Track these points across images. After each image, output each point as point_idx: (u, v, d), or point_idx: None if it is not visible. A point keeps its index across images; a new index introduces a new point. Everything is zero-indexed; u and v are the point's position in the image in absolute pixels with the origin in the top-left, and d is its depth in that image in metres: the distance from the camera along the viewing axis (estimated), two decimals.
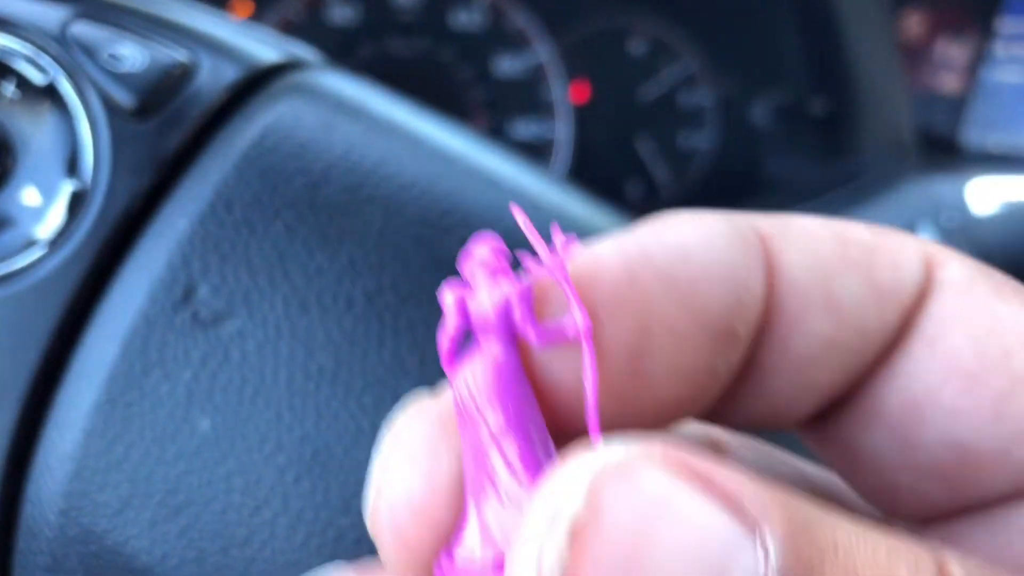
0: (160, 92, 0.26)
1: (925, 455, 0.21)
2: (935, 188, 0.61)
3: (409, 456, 0.18)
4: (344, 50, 0.72)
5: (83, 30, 0.27)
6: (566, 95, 0.76)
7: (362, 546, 0.25)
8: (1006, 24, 0.83)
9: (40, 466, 0.25)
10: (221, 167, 0.26)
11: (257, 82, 0.28)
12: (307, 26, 0.72)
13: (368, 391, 0.25)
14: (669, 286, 0.18)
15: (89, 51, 0.26)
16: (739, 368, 0.20)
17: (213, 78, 0.27)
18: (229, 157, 0.26)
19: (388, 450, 0.19)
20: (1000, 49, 0.83)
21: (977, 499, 0.21)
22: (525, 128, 0.75)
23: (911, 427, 0.21)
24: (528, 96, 0.76)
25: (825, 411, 0.22)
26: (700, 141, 0.79)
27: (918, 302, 0.21)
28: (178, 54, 0.27)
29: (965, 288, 0.21)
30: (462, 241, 0.26)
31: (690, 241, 0.19)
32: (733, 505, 0.14)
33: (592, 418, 0.17)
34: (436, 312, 0.26)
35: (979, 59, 0.83)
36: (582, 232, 0.28)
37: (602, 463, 0.14)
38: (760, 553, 0.14)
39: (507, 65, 0.75)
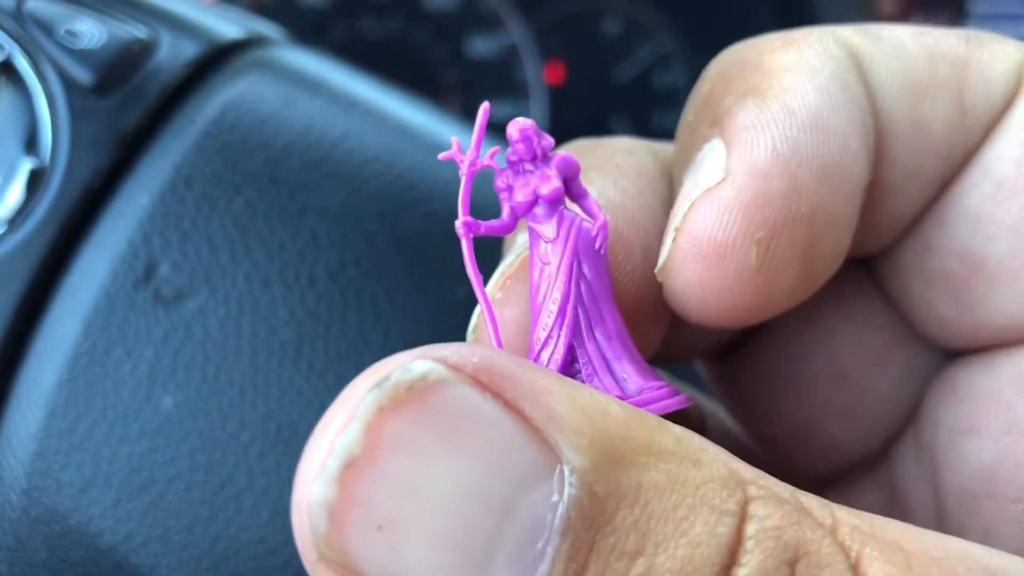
0: (119, 68, 0.26)
1: (938, 262, 0.20)
2: None
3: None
4: (316, 31, 0.71)
5: (39, 6, 0.26)
6: (540, 76, 0.76)
7: None
8: (979, 4, 0.83)
9: (2, 446, 0.25)
10: (181, 143, 0.26)
11: (218, 58, 0.28)
12: (279, 7, 0.71)
13: (331, 367, 0.25)
14: (823, 177, 0.18)
15: (46, 27, 0.26)
16: None
17: (173, 54, 0.27)
18: (189, 133, 0.26)
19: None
20: (972, 28, 0.83)
21: (984, 323, 0.20)
22: (499, 109, 0.75)
23: (930, 231, 0.20)
24: (502, 77, 0.75)
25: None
26: (675, 121, 0.79)
27: (1002, 114, 0.20)
28: (137, 30, 0.27)
29: None
30: (425, 215, 0.26)
31: (817, 107, 0.18)
32: (536, 431, 0.13)
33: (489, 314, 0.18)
34: (399, 288, 0.26)
35: None
36: None
37: (391, 385, 0.13)
38: (555, 491, 0.13)
39: (481, 46, 0.75)
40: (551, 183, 0.18)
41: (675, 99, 0.79)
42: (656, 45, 0.78)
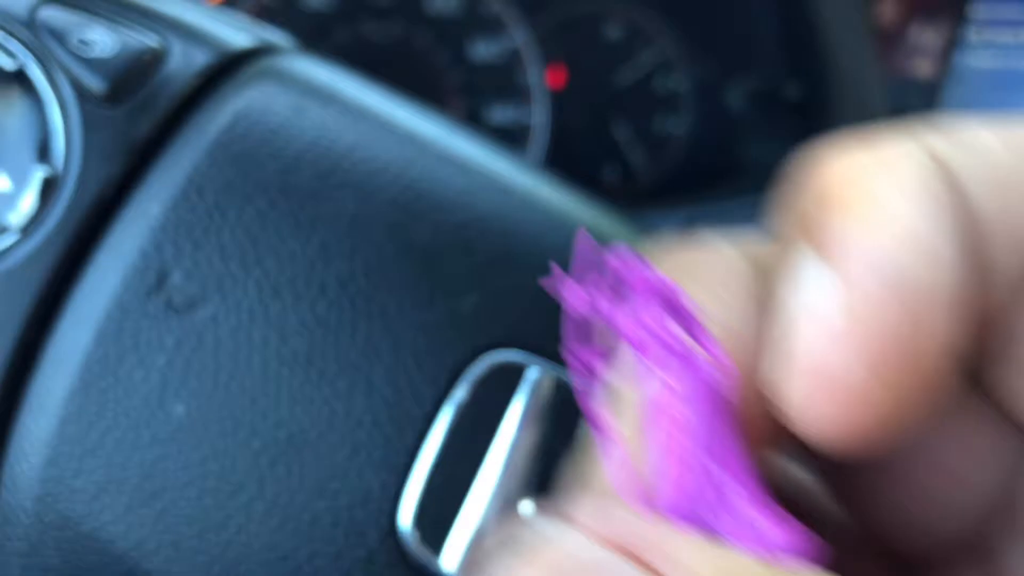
0: (131, 77, 0.26)
1: None
2: None
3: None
4: (319, 35, 0.72)
5: (52, 15, 0.27)
6: (542, 80, 0.76)
7: (337, 529, 0.25)
8: (979, 9, 0.83)
9: (15, 452, 0.25)
10: (193, 153, 0.26)
11: (229, 67, 0.28)
12: (282, 10, 0.71)
13: (341, 376, 0.25)
14: (931, 301, 0.17)
15: (59, 36, 0.26)
16: None
17: (184, 63, 0.27)
18: (201, 143, 0.26)
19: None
20: (973, 35, 0.84)
21: None
22: (502, 113, 0.76)
23: None
24: (504, 81, 0.76)
25: None
26: (676, 126, 0.79)
27: None
28: (148, 39, 0.27)
29: None
30: (434, 225, 0.27)
31: (919, 229, 0.17)
32: None
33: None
34: (408, 298, 0.26)
35: (953, 44, 0.84)
36: (552, 217, 0.28)
37: (514, 545, 0.14)
38: None
39: (483, 50, 0.75)
40: (657, 319, 0.17)
41: (676, 104, 0.79)
42: (658, 50, 0.79)
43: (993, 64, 0.84)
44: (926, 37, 0.84)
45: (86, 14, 0.27)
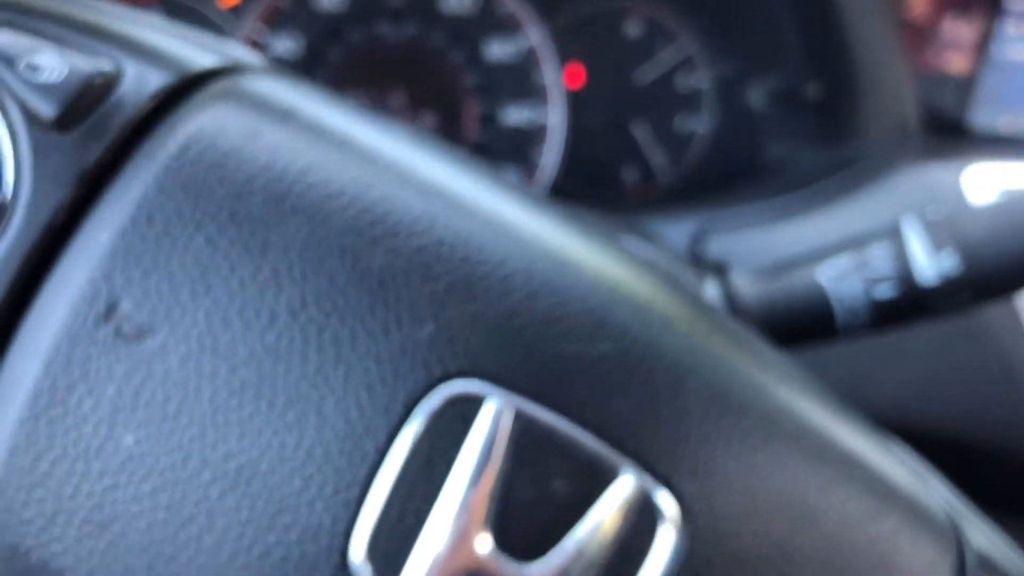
0: (81, 102, 0.26)
1: None
2: (931, 175, 0.60)
3: None
4: (333, 36, 0.71)
5: (0, 40, 0.26)
6: (560, 79, 0.75)
7: (288, 564, 0.25)
8: (1017, 1, 0.81)
9: None
10: (143, 179, 0.26)
11: (185, 89, 0.28)
12: (295, 13, 0.71)
13: (291, 407, 0.25)
14: None
15: (7, 61, 0.26)
16: None
17: (137, 86, 0.27)
18: (151, 169, 0.26)
19: None
20: (1011, 27, 0.81)
21: None
22: (518, 114, 0.74)
23: None
24: (520, 81, 0.74)
25: None
26: (697, 124, 0.78)
27: None
28: (101, 62, 0.27)
29: None
30: (390, 251, 0.26)
31: None
32: None
33: None
34: (361, 326, 0.25)
35: (988, 37, 0.81)
36: (516, 241, 0.27)
37: None
38: None
39: (498, 49, 0.74)
40: None
41: (697, 102, 0.78)
42: (678, 47, 0.77)
43: None
44: (960, 30, 0.82)
45: (36, 37, 0.26)
